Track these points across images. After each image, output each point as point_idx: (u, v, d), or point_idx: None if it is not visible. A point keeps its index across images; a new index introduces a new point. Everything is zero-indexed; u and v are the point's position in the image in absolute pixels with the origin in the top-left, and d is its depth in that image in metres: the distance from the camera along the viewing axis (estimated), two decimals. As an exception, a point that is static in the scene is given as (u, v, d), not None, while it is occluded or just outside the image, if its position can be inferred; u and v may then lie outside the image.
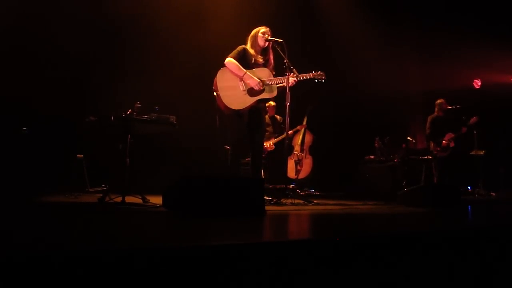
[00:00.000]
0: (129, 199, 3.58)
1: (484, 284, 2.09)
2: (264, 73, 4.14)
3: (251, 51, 4.16)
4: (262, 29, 4.22)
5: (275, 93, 4.17)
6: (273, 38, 4.20)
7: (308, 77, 4.21)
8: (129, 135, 3.75)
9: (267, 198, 3.96)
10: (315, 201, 4.39)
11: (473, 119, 6.71)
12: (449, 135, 6.64)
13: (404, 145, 7.40)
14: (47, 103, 5.34)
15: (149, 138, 4.97)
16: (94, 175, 5.10)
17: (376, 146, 7.29)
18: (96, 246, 1.53)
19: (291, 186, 6.26)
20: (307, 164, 6.94)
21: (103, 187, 4.97)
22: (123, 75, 5.78)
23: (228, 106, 4.01)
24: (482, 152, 7.25)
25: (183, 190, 2.73)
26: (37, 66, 5.35)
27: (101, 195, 3.64)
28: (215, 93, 4.07)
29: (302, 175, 6.93)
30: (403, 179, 6.84)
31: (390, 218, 3.32)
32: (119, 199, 3.51)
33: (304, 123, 6.89)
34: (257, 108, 4.19)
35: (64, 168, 4.99)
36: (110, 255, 1.36)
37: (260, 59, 4.20)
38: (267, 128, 6.35)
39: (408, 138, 7.50)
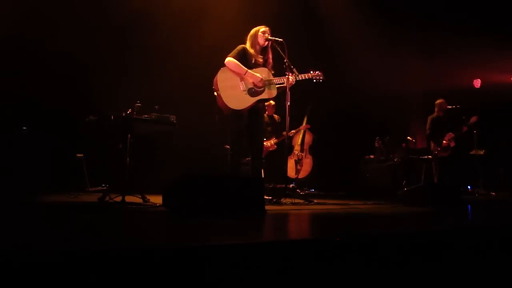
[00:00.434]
0: (129, 198, 3.58)
1: (484, 284, 2.09)
2: (264, 73, 4.15)
3: (251, 50, 4.16)
4: (262, 28, 4.22)
5: (275, 93, 4.18)
6: (273, 38, 4.20)
7: (306, 77, 4.22)
8: (129, 135, 3.75)
9: (267, 197, 3.96)
10: (315, 201, 4.39)
11: (473, 118, 6.71)
12: (449, 135, 6.64)
13: (404, 144, 7.39)
14: (47, 103, 5.34)
15: (149, 138, 4.97)
16: (94, 175, 5.10)
17: (376, 146, 7.29)
18: (96, 246, 1.53)
19: (291, 185, 6.27)
20: (307, 163, 6.94)
21: (103, 186, 4.97)
22: (123, 75, 5.77)
23: (229, 105, 4.00)
24: (482, 152, 7.24)
25: (183, 190, 2.73)
26: (37, 66, 5.34)
27: (101, 194, 3.64)
28: (215, 93, 4.07)
29: (302, 174, 6.93)
30: (403, 179, 6.84)
31: (390, 218, 3.32)
32: (119, 198, 3.51)
33: (304, 123, 6.88)
34: (257, 108, 4.18)
35: (64, 168, 4.98)
36: (110, 255, 1.36)
37: (259, 59, 4.20)
38: (267, 128, 6.35)
39: (408, 138, 7.50)
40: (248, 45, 4.19)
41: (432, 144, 6.79)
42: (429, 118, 6.88)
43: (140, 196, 3.70)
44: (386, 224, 2.89)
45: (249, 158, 4.38)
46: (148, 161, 5.27)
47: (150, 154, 5.38)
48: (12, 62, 5.19)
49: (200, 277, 1.44)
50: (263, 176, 4.48)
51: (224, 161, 4.36)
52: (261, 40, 4.19)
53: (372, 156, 7.35)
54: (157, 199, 3.49)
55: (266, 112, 6.42)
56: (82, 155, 5.05)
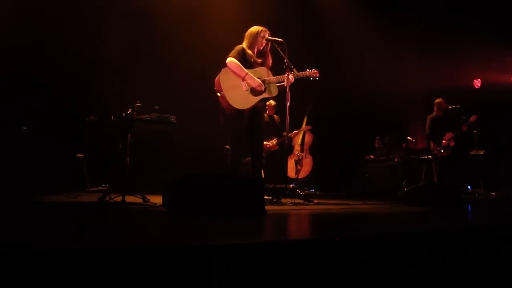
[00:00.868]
0: (129, 198, 3.58)
1: (484, 284, 2.09)
2: (264, 72, 4.16)
3: (249, 51, 4.15)
4: (262, 30, 4.18)
5: (276, 92, 4.19)
6: (273, 38, 4.19)
7: (303, 75, 4.23)
8: (129, 135, 3.75)
9: (267, 197, 3.96)
10: (315, 201, 4.39)
11: (473, 117, 6.71)
12: (449, 135, 6.64)
13: (404, 144, 7.40)
14: (47, 103, 5.35)
15: (149, 138, 4.97)
16: (94, 175, 5.09)
17: (376, 146, 7.29)
18: (96, 246, 1.53)
19: (291, 185, 6.27)
20: (307, 163, 6.94)
21: (103, 186, 4.96)
22: (123, 75, 5.77)
23: (234, 106, 3.99)
24: (482, 152, 7.25)
25: (183, 190, 2.73)
26: (37, 66, 5.34)
27: (101, 194, 3.64)
28: (218, 94, 4.03)
29: (302, 174, 6.93)
30: (403, 178, 6.85)
31: (390, 218, 3.32)
32: (119, 198, 3.51)
33: (304, 124, 6.88)
34: (257, 108, 4.18)
35: (64, 168, 4.98)
36: (110, 255, 1.36)
37: (258, 59, 4.20)
38: (269, 128, 6.36)
39: (408, 137, 7.50)
40: (246, 45, 4.17)
41: (431, 144, 6.79)
42: (428, 118, 6.89)
43: (140, 196, 3.70)
44: (386, 224, 2.89)
45: (249, 158, 4.38)
46: (148, 161, 5.27)
47: (150, 154, 5.38)
48: (12, 62, 5.19)
49: (200, 277, 1.44)
50: (263, 176, 4.47)
51: (224, 161, 4.35)
52: (260, 44, 4.18)
53: (372, 156, 7.35)
54: (157, 199, 3.49)
55: (267, 112, 6.43)
56: (82, 155, 5.05)
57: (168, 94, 5.74)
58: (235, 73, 4.02)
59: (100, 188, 4.92)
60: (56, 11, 5.51)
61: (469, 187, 7.28)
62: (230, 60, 4.02)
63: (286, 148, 4.84)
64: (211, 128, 5.85)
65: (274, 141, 6.36)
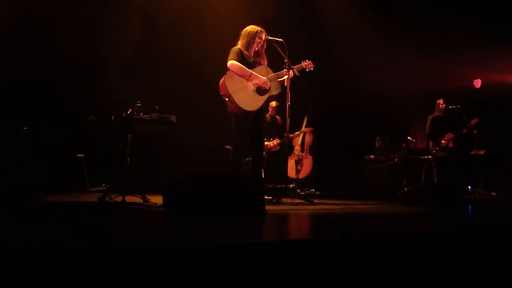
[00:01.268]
0: (129, 198, 3.58)
1: (484, 284, 2.09)
2: (263, 71, 4.17)
3: (246, 52, 4.15)
4: (260, 31, 4.16)
5: (279, 89, 4.22)
6: (273, 38, 4.19)
7: (299, 68, 4.27)
8: (129, 135, 3.75)
9: (268, 197, 3.96)
10: (315, 201, 4.39)
11: (474, 121, 6.67)
12: (449, 136, 6.64)
13: (404, 144, 7.40)
14: (47, 103, 5.35)
15: (149, 138, 4.97)
16: (94, 175, 5.09)
17: (376, 145, 7.29)
18: (96, 246, 1.53)
19: (291, 185, 6.27)
20: (308, 163, 6.95)
21: (104, 186, 4.96)
22: (123, 75, 5.77)
23: (244, 108, 3.98)
24: (482, 152, 7.24)
25: (183, 190, 2.73)
26: (37, 66, 5.34)
27: (102, 194, 3.64)
28: (226, 98, 3.99)
29: (302, 174, 6.93)
30: (403, 178, 6.84)
31: (390, 218, 3.32)
32: (119, 198, 3.51)
33: (304, 125, 6.88)
34: (259, 109, 4.19)
35: (64, 168, 4.98)
36: (110, 255, 1.36)
37: (255, 59, 4.21)
38: (271, 129, 6.38)
39: (408, 137, 7.50)
40: (242, 45, 4.14)
41: (430, 144, 6.80)
42: (429, 118, 6.90)
43: (140, 196, 3.70)
44: (386, 224, 2.89)
45: (250, 158, 4.38)
46: (148, 161, 5.27)
47: (150, 154, 5.39)
48: (12, 62, 5.19)
49: (200, 277, 1.44)
50: (263, 176, 4.47)
51: (225, 161, 4.36)
52: (257, 45, 4.18)
53: (372, 156, 7.34)
54: (157, 199, 3.50)
55: (269, 113, 6.44)
56: (82, 155, 5.05)
57: (168, 94, 5.73)
58: (239, 75, 4.02)
59: (100, 188, 4.92)
60: (56, 11, 5.51)
61: (469, 187, 7.28)
62: (232, 63, 4.00)
63: (286, 148, 4.84)
64: (211, 128, 5.86)
65: (275, 141, 6.36)
